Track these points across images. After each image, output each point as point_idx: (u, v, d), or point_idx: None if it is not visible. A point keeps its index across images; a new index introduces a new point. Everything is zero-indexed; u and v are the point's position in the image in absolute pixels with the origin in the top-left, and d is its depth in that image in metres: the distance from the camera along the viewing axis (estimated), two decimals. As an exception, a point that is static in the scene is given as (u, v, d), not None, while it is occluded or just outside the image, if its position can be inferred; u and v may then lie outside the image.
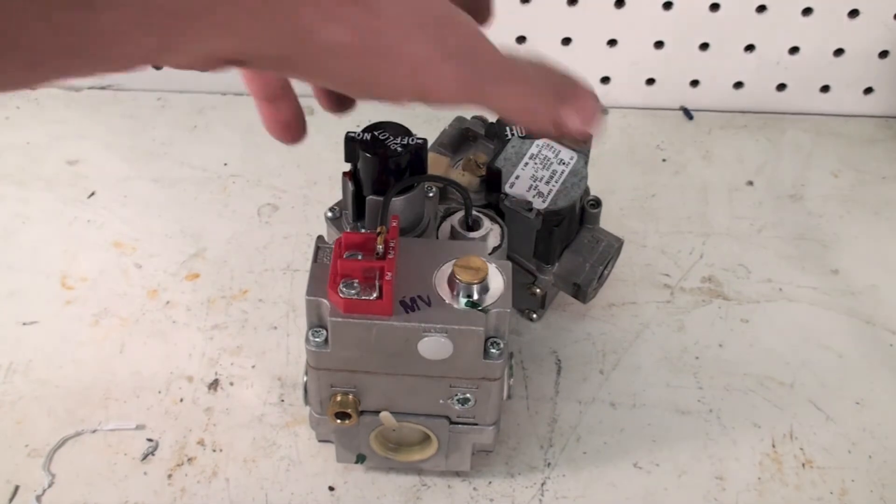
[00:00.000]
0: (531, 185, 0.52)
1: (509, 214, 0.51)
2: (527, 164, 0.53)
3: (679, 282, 0.62)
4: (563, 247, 0.55)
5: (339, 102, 0.39)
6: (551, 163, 0.53)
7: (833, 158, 0.72)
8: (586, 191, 0.54)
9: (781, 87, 0.75)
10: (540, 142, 0.53)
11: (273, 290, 0.60)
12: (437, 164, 0.53)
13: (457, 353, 0.41)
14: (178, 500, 0.50)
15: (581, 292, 0.55)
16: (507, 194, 0.52)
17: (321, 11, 0.28)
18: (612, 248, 0.55)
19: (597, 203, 0.55)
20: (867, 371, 0.57)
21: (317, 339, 0.42)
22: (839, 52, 0.72)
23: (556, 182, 0.52)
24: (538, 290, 0.55)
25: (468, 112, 0.56)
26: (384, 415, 0.45)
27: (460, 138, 0.56)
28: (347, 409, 0.44)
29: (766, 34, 0.71)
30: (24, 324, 0.58)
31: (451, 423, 0.46)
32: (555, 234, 0.52)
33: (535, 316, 0.59)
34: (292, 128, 0.40)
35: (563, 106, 0.35)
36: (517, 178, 0.52)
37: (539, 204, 0.51)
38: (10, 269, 0.61)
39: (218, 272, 0.61)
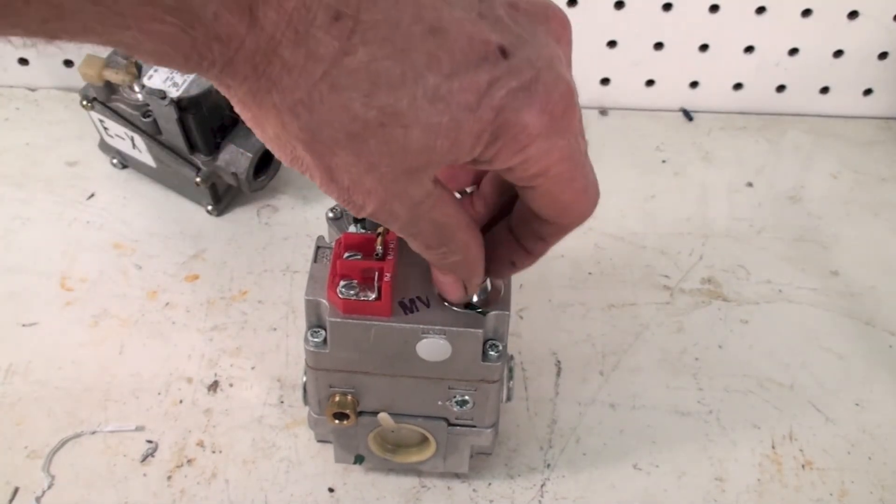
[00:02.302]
0: (168, 76, 0.58)
1: (152, 106, 0.59)
2: None
3: (679, 283, 0.62)
4: (220, 138, 0.61)
5: None
6: None
7: (832, 160, 0.72)
8: None
9: (781, 88, 0.75)
10: None
11: (272, 292, 0.60)
12: (91, 63, 0.58)
13: (455, 354, 0.41)
14: (178, 501, 0.50)
15: (240, 181, 0.61)
16: (143, 85, 0.58)
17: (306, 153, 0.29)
18: None
19: None
20: (867, 372, 0.57)
21: (315, 340, 0.42)
22: (839, 53, 0.72)
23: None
24: (198, 181, 0.61)
25: None
26: (382, 416, 0.45)
27: None
28: (346, 410, 0.44)
29: (765, 35, 0.71)
30: (23, 325, 0.58)
31: (450, 424, 0.46)
32: (190, 121, 0.59)
33: (210, 208, 0.64)
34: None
35: (443, 276, 0.39)
36: (156, 70, 0.59)
37: (173, 93, 0.57)
38: (9, 271, 0.61)
39: (217, 273, 0.61)
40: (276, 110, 0.28)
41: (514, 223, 0.37)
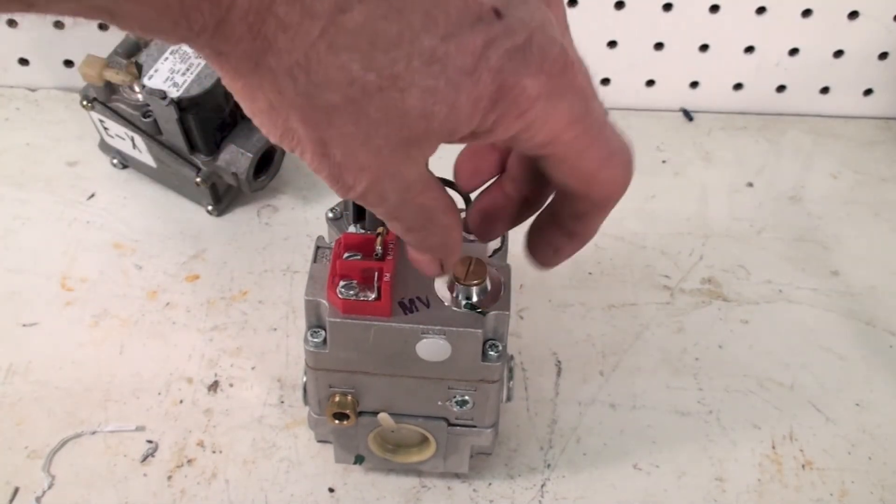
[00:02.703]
0: (168, 76, 0.58)
1: (152, 106, 0.59)
2: (167, 58, 0.58)
3: (679, 283, 0.62)
4: (220, 138, 0.61)
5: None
6: (189, 56, 0.58)
7: (833, 160, 0.72)
8: None
9: (781, 88, 0.75)
10: None
11: (273, 292, 0.60)
12: (92, 63, 0.58)
13: (455, 354, 0.41)
14: (178, 501, 0.50)
15: (240, 181, 0.61)
16: (144, 85, 0.58)
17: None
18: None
19: None
20: (867, 372, 0.57)
21: (315, 340, 0.42)
22: (839, 53, 0.72)
23: (192, 73, 0.57)
24: (198, 181, 0.61)
25: None
26: (382, 416, 0.45)
27: (135, 47, 0.61)
28: (346, 410, 0.44)
29: (765, 35, 0.71)
30: (24, 325, 0.58)
31: (450, 424, 0.46)
32: (191, 121, 0.59)
33: (210, 208, 0.64)
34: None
35: (419, 254, 0.37)
36: (156, 70, 0.58)
37: (174, 93, 0.57)
38: (9, 271, 0.61)
39: (218, 273, 0.61)
40: (273, 74, 0.27)
41: (553, 206, 0.36)
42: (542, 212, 0.38)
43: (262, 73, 0.27)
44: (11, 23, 0.71)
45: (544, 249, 0.38)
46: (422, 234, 0.34)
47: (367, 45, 0.26)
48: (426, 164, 0.31)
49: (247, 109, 0.29)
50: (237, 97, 0.29)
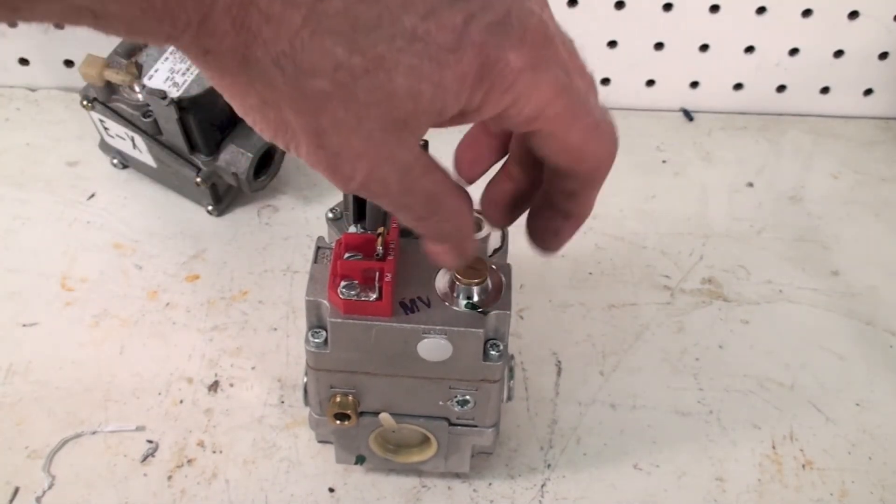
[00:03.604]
0: (168, 76, 0.58)
1: (152, 106, 0.59)
2: (167, 58, 0.58)
3: (679, 283, 0.62)
4: (220, 138, 0.61)
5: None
6: None
7: (833, 160, 0.72)
8: None
9: (781, 88, 0.75)
10: None
11: (273, 292, 0.60)
12: (92, 63, 0.58)
13: (456, 354, 0.41)
14: (178, 501, 0.50)
15: (240, 181, 0.61)
16: (144, 85, 0.58)
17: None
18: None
19: None
20: (867, 372, 0.57)
21: (316, 340, 0.42)
22: (839, 53, 0.72)
23: (192, 73, 0.58)
24: (199, 181, 0.61)
25: None
26: (383, 416, 0.45)
27: (135, 47, 0.61)
28: (347, 410, 0.44)
29: (765, 35, 0.71)
30: (24, 325, 0.58)
31: (451, 424, 0.46)
32: (191, 121, 0.59)
33: (210, 208, 0.64)
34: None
35: (436, 245, 0.37)
36: (156, 70, 0.59)
37: (174, 93, 0.57)
38: (10, 271, 0.61)
39: (218, 273, 0.61)
40: (260, 66, 0.27)
41: (546, 187, 0.37)
42: (537, 198, 0.38)
43: (249, 66, 0.27)
44: (11, 22, 0.70)
45: (545, 234, 0.38)
46: (433, 222, 0.34)
47: (348, 28, 0.26)
48: (420, 147, 0.31)
49: (238, 108, 0.29)
50: (227, 96, 0.29)
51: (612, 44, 0.72)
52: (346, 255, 0.40)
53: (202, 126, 0.60)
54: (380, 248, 0.40)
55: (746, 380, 0.57)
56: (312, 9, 0.26)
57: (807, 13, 0.70)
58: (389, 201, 0.32)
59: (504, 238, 0.49)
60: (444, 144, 0.39)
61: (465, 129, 0.36)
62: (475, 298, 0.41)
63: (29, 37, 0.72)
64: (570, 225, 0.37)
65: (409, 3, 0.27)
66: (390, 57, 0.27)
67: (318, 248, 0.43)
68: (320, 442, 0.51)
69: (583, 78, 0.33)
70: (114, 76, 0.59)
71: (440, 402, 0.44)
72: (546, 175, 0.36)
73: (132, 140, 0.63)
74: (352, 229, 0.43)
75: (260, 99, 0.28)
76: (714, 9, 0.70)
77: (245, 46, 0.26)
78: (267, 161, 0.63)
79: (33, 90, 0.75)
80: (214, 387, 0.55)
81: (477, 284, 0.41)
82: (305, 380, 0.44)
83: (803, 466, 0.52)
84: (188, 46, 0.26)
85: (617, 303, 0.61)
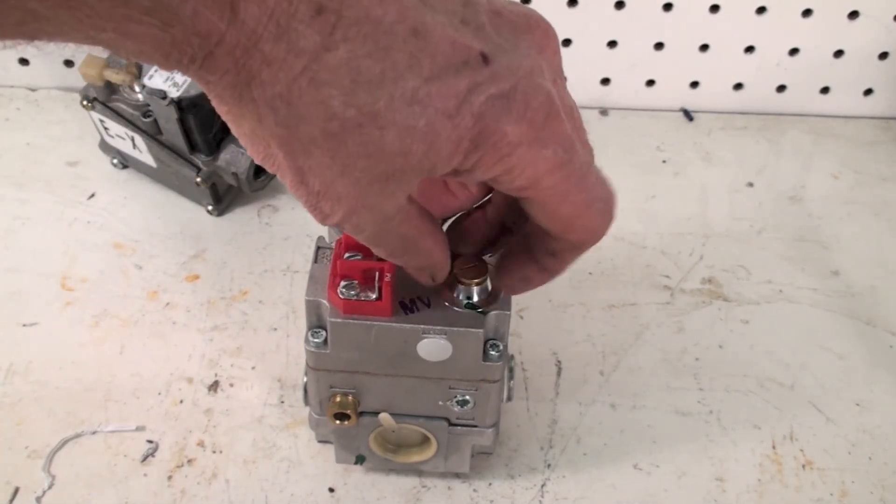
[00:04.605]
0: (168, 76, 0.58)
1: (152, 106, 0.59)
2: None
3: (679, 283, 0.62)
4: (220, 138, 0.61)
5: None
6: None
7: (833, 160, 0.72)
8: None
9: (781, 88, 0.75)
10: None
11: (273, 292, 0.60)
12: (92, 63, 0.58)
13: (456, 354, 0.41)
14: (178, 501, 0.50)
15: (240, 181, 0.61)
16: (144, 85, 0.58)
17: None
18: None
19: None
20: (867, 372, 0.57)
21: (316, 340, 0.42)
22: (839, 53, 0.72)
23: None
24: (199, 181, 0.61)
25: None
26: (383, 416, 0.45)
27: None
28: (347, 410, 0.44)
29: (765, 35, 0.71)
30: (24, 325, 0.58)
31: (451, 424, 0.46)
32: (191, 121, 0.59)
33: (210, 208, 0.64)
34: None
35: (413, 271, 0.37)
36: (156, 70, 0.59)
37: (174, 93, 0.57)
38: (9, 271, 0.61)
39: (218, 273, 0.61)
40: (255, 104, 0.27)
41: (529, 237, 0.37)
42: (516, 239, 0.38)
43: (244, 102, 0.27)
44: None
45: (513, 276, 0.38)
46: (404, 259, 0.35)
47: (349, 81, 0.27)
48: (407, 197, 0.31)
49: (233, 131, 0.30)
50: (224, 119, 0.30)
51: (612, 44, 0.72)
52: (346, 254, 0.40)
53: (202, 126, 0.60)
54: (380, 248, 0.40)
55: (746, 380, 0.57)
56: (315, 57, 0.26)
57: (807, 13, 0.70)
58: (363, 239, 0.33)
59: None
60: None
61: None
62: (475, 298, 0.41)
63: (29, 37, 0.72)
64: (542, 277, 0.38)
65: (416, 64, 0.27)
66: (386, 115, 0.27)
67: (318, 248, 0.43)
68: (320, 442, 0.51)
69: (585, 152, 0.33)
70: (114, 76, 0.59)
71: (440, 402, 0.44)
72: (531, 227, 0.36)
73: (132, 140, 0.63)
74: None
75: (251, 130, 0.29)
76: (714, 9, 0.70)
77: (243, 85, 0.27)
78: None
79: (33, 90, 0.75)
80: (214, 387, 0.55)
81: (477, 285, 0.41)
82: (305, 380, 0.45)
83: (803, 466, 0.52)
84: (191, 75, 0.27)
85: (617, 303, 0.61)
